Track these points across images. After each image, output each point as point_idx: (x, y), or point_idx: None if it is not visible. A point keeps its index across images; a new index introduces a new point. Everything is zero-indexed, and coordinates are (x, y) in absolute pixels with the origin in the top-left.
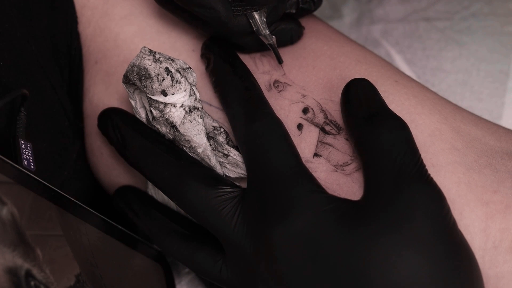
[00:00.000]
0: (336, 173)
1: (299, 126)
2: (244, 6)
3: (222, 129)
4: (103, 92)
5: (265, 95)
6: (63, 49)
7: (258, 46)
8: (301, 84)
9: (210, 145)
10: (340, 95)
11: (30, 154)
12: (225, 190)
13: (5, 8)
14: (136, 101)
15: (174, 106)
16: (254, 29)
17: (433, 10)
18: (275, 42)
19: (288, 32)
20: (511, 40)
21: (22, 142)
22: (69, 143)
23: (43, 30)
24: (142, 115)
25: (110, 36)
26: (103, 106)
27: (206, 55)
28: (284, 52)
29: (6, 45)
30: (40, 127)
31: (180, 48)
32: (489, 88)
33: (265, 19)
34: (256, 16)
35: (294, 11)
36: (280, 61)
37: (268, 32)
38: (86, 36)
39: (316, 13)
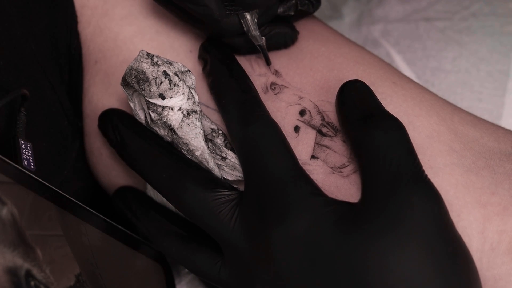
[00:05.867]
0: (333, 175)
1: (296, 128)
2: (236, 6)
3: (220, 132)
4: (102, 92)
5: (262, 97)
6: (62, 49)
7: (251, 47)
8: (298, 86)
9: (208, 147)
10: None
11: (30, 154)
12: (223, 193)
13: (5, 7)
14: (135, 103)
15: (172, 109)
16: (245, 29)
17: (433, 10)
18: (264, 44)
19: (282, 36)
20: (511, 40)
21: (22, 142)
22: (68, 143)
23: (43, 30)
24: (141, 117)
25: (110, 36)
26: (102, 106)
27: (203, 57)
28: (281, 54)
29: (5, 45)
30: (40, 126)
31: (178, 49)
32: (489, 88)
33: (256, 20)
34: (248, 17)
35: (292, 13)
36: (268, 62)
37: (258, 33)
38: (86, 36)
39: (315, 13)
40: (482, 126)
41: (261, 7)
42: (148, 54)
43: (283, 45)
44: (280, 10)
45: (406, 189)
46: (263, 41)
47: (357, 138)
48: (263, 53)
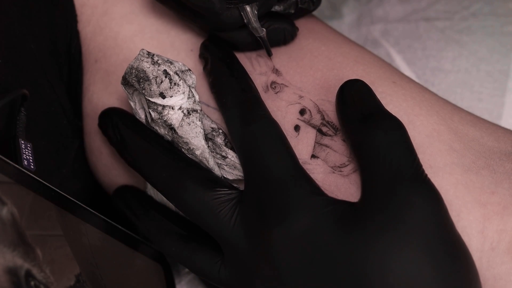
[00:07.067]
0: (333, 174)
1: (296, 128)
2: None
3: (220, 131)
4: (102, 91)
5: (262, 96)
6: (62, 47)
7: (251, 42)
8: (298, 85)
9: (208, 146)
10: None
11: (30, 154)
12: (223, 192)
13: (5, 6)
14: (135, 102)
15: (172, 108)
16: (245, 21)
17: (433, 10)
18: (265, 35)
19: (282, 31)
20: (511, 40)
21: (22, 142)
22: (68, 142)
23: (43, 29)
24: (141, 116)
25: (110, 35)
26: (102, 105)
27: (204, 56)
28: (281, 53)
29: (5, 43)
30: (39, 125)
31: (178, 48)
32: (489, 88)
33: (256, 12)
34: (248, 9)
35: (293, 11)
36: (269, 53)
37: (259, 25)
38: (85, 35)
39: (315, 13)
40: (482, 126)
41: (260, 0)
42: (149, 53)
43: (283, 41)
44: (281, 8)
45: (406, 189)
46: (263, 32)
47: (357, 138)
48: (264, 45)
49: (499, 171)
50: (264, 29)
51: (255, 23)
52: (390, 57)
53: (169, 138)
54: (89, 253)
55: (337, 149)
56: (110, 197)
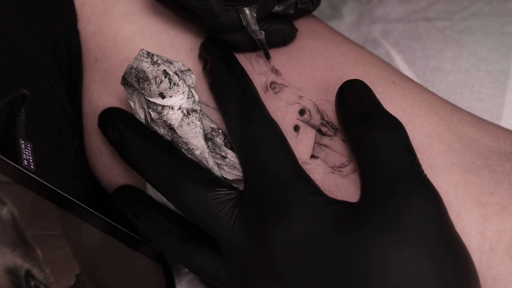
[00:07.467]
0: (333, 174)
1: (296, 128)
2: (235, 1)
3: (220, 131)
4: (102, 90)
5: (261, 96)
6: (62, 47)
7: (250, 44)
8: (298, 85)
9: (208, 146)
10: None
11: (30, 154)
12: (223, 192)
13: (4, 5)
14: (135, 102)
15: (172, 108)
16: (244, 24)
17: (433, 10)
18: (263, 38)
19: (281, 33)
20: (511, 40)
21: (22, 142)
22: (67, 141)
23: (42, 28)
24: (141, 116)
25: (110, 34)
26: (102, 104)
27: (204, 56)
28: (281, 53)
29: (4, 42)
30: (38, 124)
31: (178, 48)
32: (489, 88)
33: (255, 15)
34: (247, 11)
35: (292, 12)
36: (267, 56)
37: (257, 28)
38: (85, 34)
39: (315, 13)
40: (482, 126)
41: (259, 2)
42: (148, 53)
43: (282, 42)
44: (280, 8)
45: (405, 189)
46: (262, 35)
47: (356, 138)
48: (263, 48)
49: (499, 171)
50: (262, 32)
51: (253, 26)
52: (390, 57)
53: (169, 138)
54: (89, 253)
55: (336, 149)
56: (110, 197)
